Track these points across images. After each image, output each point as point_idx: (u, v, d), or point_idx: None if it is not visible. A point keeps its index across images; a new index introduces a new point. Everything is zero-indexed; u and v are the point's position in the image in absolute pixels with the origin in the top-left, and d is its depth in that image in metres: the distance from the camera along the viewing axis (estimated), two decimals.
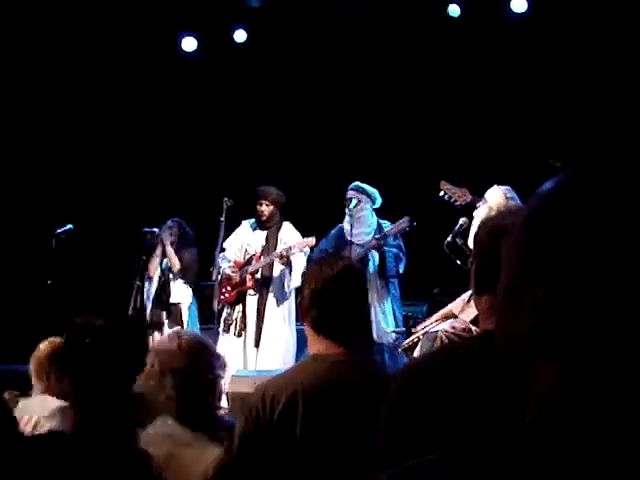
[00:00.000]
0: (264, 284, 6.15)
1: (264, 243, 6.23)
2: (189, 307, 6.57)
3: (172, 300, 6.54)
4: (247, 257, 6.22)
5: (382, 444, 1.44)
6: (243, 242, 6.22)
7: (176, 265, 6.53)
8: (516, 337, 0.81)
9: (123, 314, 3.09)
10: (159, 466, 2.01)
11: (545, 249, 0.78)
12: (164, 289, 6.59)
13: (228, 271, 6.20)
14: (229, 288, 6.13)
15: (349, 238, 5.90)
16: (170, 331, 2.83)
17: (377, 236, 5.97)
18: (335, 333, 2.24)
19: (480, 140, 7.55)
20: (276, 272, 6.15)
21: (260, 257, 6.15)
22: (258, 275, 6.18)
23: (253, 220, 6.31)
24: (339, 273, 2.22)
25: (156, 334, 6.19)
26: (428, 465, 0.76)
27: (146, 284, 6.65)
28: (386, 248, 5.96)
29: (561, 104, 7.00)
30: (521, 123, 7.22)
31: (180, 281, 6.59)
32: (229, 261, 6.27)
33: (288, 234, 6.25)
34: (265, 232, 6.27)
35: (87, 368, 2.02)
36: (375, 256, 5.98)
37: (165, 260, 6.65)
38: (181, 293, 6.59)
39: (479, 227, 1.62)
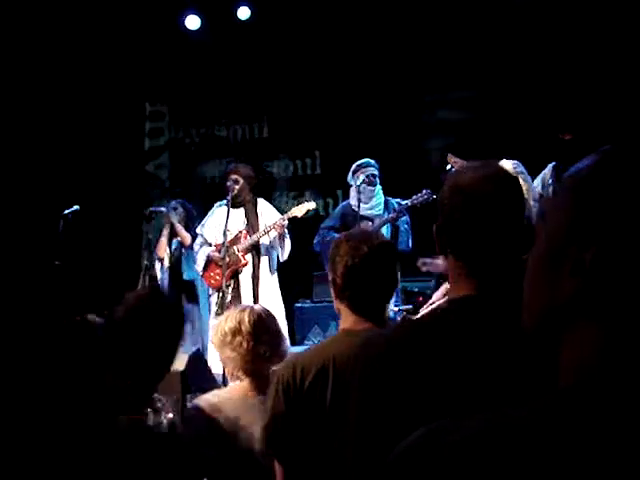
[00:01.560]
0: (256, 260, 6.14)
1: (245, 221, 6.19)
2: (202, 281, 6.55)
3: (185, 277, 6.53)
4: (231, 237, 6.13)
5: (353, 421, 1.42)
6: (221, 224, 6.11)
7: (187, 239, 6.50)
8: (554, 303, 0.80)
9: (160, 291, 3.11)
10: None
11: (594, 212, 0.78)
12: (176, 268, 6.59)
13: (212, 255, 6.14)
14: (218, 271, 6.05)
15: (362, 213, 5.87)
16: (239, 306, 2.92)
17: (398, 207, 5.92)
18: (368, 310, 2.24)
19: (488, 114, 7.50)
20: (264, 245, 6.14)
21: (247, 235, 6.11)
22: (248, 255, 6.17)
23: (224, 202, 6.20)
24: (374, 249, 2.21)
25: None
26: (468, 423, 0.74)
27: (157, 265, 6.65)
28: (398, 222, 5.93)
29: (568, 77, 6.92)
30: (530, 96, 7.16)
31: (192, 257, 6.57)
32: (210, 245, 6.21)
33: (266, 209, 6.24)
34: (242, 210, 6.21)
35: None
36: (386, 232, 5.96)
37: (174, 240, 6.64)
38: (193, 270, 6.57)
39: (445, 185, 1.57)
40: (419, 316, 2.29)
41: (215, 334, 2.71)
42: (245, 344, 2.61)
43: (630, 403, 0.71)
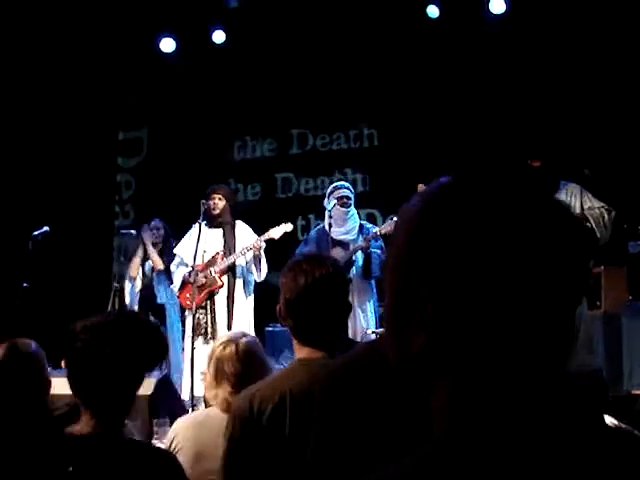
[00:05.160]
0: (232, 282, 6.12)
1: (223, 242, 6.18)
2: (172, 307, 6.51)
3: (159, 301, 6.48)
4: (207, 259, 6.12)
5: (312, 449, 1.44)
6: (199, 245, 6.09)
7: (158, 265, 6.46)
8: (408, 355, 0.76)
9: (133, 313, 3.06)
10: (180, 464, 2.02)
11: (430, 264, 0.74)
12: (149, 290, 6.53)
13: (187, 276, 6.11)
14: (195, 292, 6.00)
15: (336, 237, 5.88)
16: (225, 336, 2.91)
17: (368, 236, 5.94)
18: (314, 340, 2.22)
19: (461, 140, 7.57)
20: (240, 266, 6.12)
21: (223, 256, 6.10)
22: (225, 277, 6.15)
23: (204, 222, 6.19)
24: (314, 281, 2.16)
25: None
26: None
27: (129, 285, 6.59)
28: (371, 249, 5.94)
29: (539, 104, 7.02)
30: (500, 123, 7.24)
31: (165, 282, 6.53)
32: (187, 266, 6.18)
33: (244, 231, 6.23)
34: (220, 231, 6.20)
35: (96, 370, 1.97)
36: (359, 257, 5.97)
37: (148, 261, 6.60)
38: (166, 294, 6.53)
39: (398, 214, 1.60)
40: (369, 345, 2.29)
41: (208, 364, 2.71)
42: (230, 383, 2.61)
43: (475, 462, 0.69)
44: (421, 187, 5.18)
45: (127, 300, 6.54)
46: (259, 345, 2.79)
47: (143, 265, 6.60)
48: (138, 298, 6.55)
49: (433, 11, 7.48)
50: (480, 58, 7.41)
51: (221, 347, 2.69)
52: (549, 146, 5.52)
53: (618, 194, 5.73)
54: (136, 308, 6.43)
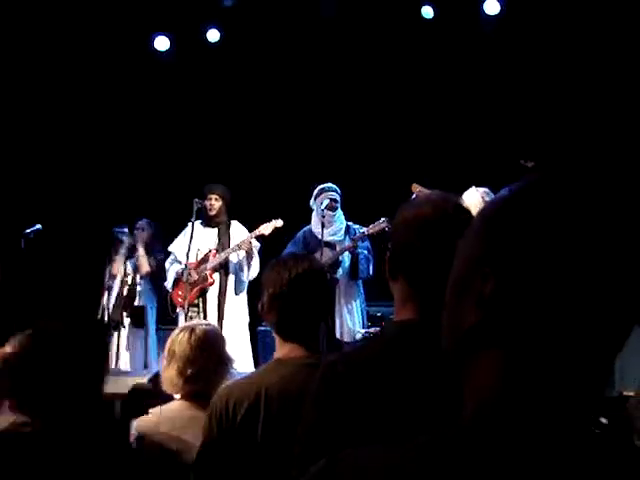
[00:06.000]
0: (223, 276, 6.13)
1: (217, 240, 6.19)
2: (151, 308, 6.51)
3: (137, 303, 6.47)
4: (200, 256, 6.15)
5: (303, 441, 1.45)
6: (193, 243, 6.12)
7: (144, 268, 6.45)
8: (460, 331, 0.80)
9: (82, 317, 3.07)
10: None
11: (500, 246, 0.79)
12: (130, 290, 6.50)
13: (180, 274, 6.12)
14: (187, 290, 6.01)
15: (323, 239, 5.86)
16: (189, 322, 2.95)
17: (355, 236, 5.94)
18: (297, 336, 2.24)
19: (455, 141, 7.58)
20: (232, 263, 6.13)
21: (216, 253, 6.11)
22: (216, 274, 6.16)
23: (200, 220, 6.22)
24: (297, 276, 2.21)
25: (115, 334, 6.18)
26: (365, 453, 0.77)
27: (109, 282, 6.57)
28: (358, 250, 5.94)
29: (534, 105, 7.04)
30: (495, 124, 7.25)
31: (147, 284, 6.52)
32: (180, 263, 6.19)
33: (238, 231, 6.24)
34: (215, 230, 6.22)
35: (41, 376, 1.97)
36: (346, 258, 5.97)
37: (131, 261, 6.57)
38: (147, 296, 6.52)
39: (397, 215, 1.62)
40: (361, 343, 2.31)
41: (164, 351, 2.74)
42: (178, 365, 2.62)
43: (516, 442, 0.71)
44: (415, 187, 5.17)
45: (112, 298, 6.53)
46: (220, 336, 2.79)
47: (125, 264, 6.57)
48: (116, 296, 6.51)
49: (428, 12, 7.49)
50: (475, 59, 7.42)
51: (179, 331, 2.72)
52: (544, 146, 5.52)
53: None
54: (112, 305, 6.43)
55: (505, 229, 0.79)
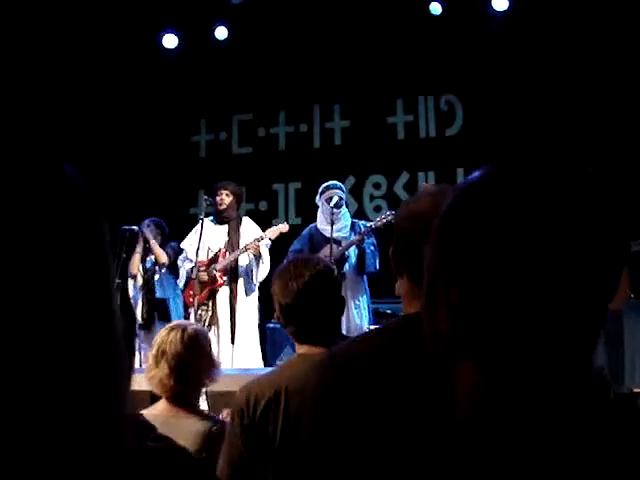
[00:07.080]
0: (233, 279, 6.11)
1: (227, 238, 6.18)
2: (174, 300, 6.48)
3: (158, 296, 6.45)
4: (211, 255, 6.14)
5: (306, 438, 1.44)
6: (204, 240, 6.11)
7: (162, 258, 6.42)
8: (438, 338, 0.78)
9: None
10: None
11: (455, 248, 0.75)
12: (150, 286, 6.49)
13: (190, 272, 6.11)
14: (197, 289, 6.01)
15: (330, 236, 5.85)
16: (174, 322, 2.92)
17: (363, 230, 5.94)
18: (314, 339, 2.24)
19: (461, 137, 7.57)
20: (242, 266, 6.12)
21: (225, 253, 6.10)
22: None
23: (211, 217, 6.24)
24: (305, 284, 2.19)
25: (144, 332, 6.17)
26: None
27: (130, 282, 6.55)
28: (365, 245, 5.94)
29: (541, 101, 7.01)
30: (502, 120, 7.24)
31: (166, 276, 6.50)
32: (191, 261, 6.18)
33: (249, 228, 6.23)
34: (225, 227, 6.20)
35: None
36: (353, 253, 5.97)
37: (149, 257, 6.56)
38: (168, 288, 6.50)
39: (399, 210, 1.62)
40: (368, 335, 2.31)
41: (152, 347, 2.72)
42: (170, 365, 2.59)
43: (498, 444, 0.69)
44: (424, 185, 5.18)
45: (131, 296, 6.52)
46: (207, 338, 2.77)
47: (143, 262, 6.56)
48: (141, 295, 6.51)
49: (436, 8, 7.47)
50: (482, 55, 7.40)
51: (167, 330, 2.68)
52: (551, 144, 5.51)
53: (618, 193, 5.71)
54: (140, 305, 6.42)
55: (458, 230, 0.75)
